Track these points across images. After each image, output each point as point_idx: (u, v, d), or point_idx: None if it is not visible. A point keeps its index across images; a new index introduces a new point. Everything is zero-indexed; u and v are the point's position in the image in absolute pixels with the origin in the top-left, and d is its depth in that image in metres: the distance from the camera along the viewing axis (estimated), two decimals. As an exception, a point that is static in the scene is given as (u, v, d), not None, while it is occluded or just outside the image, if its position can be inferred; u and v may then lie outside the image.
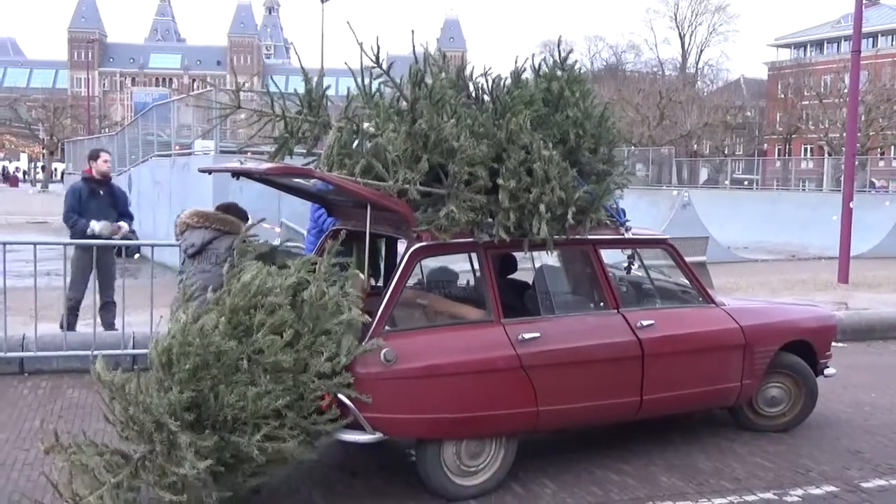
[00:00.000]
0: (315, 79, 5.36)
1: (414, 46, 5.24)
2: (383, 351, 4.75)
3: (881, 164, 52.29)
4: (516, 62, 5.38)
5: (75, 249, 8.32)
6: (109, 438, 4.71)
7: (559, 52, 5.54)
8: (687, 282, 6.13)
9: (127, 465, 4.30)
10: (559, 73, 5.47)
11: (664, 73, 66.37)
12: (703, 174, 48.54)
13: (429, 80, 5.14)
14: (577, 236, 5.38)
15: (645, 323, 5.57)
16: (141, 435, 4.32)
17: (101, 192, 8.46)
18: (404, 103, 5.20)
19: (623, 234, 5.74)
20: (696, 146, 60.00)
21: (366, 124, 5.17)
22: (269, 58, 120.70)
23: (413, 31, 5.36)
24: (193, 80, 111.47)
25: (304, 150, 5.44)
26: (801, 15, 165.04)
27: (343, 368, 4.58)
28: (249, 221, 5.68)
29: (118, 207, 8.55)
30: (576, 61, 5.60)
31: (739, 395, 6.07)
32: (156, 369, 4.43)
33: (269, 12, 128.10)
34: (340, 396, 4.73)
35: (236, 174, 5.19)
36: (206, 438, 4.23)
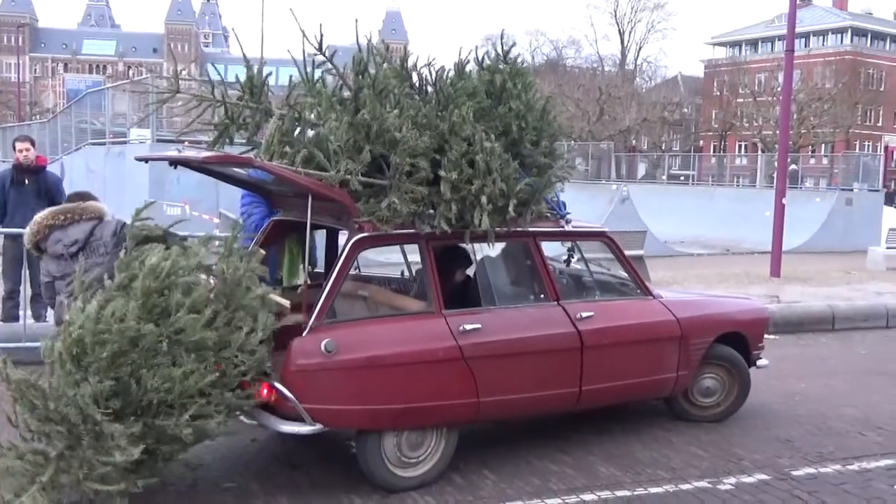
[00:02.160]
0: (256, 66, 5.29)
1: (357, 37, 5.20)
2: (324, 342, 4.72)
3: (812, 161, 53.64)
4: (460, 54, 5.39)
5: (4, 239, 8.08)
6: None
7: (502, 45, 5.56)
8: (625, 274, 6.22)
9: (49, 463, 4.18)
10: (502, 65, 5.48)
11: (604, 68, 67.03)
12: (641, 169, 49.22)
13: (372, 70, 5.12)
14: (518, 228, 5.41)
15: (584, 315, 5.63)
16: (61, 431, 4.18)
17: (27, 182, 8.15)
18: (347, 93, 5.17)
19: (563, 227, 5.79)
20: (634, 142, 60.81)
21: (308, 113, 5.12)
22: (207, 46, 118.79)
23: (357, 21, 5.32)
24: (129, 68, 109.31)
25: (245, 139, 5.36)
26: (737, 14, 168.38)
27: (260, 342, 4.57)
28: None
29: (49, 197, 8.24)
30: (518, 54, 5.62)
31: (675, 385, 6.18)
32: (61, 363, 4.26)
33: (208, 0, 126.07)
34: (279, 387, 4.71)
35: (174, 163, 5.09)
36: (132, 425, 4.16)
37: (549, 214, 5.68)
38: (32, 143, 8.35)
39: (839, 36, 75.28)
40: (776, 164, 33.52)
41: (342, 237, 5.66)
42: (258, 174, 5.52)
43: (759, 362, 6.74)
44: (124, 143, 17.39)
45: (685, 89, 76.20)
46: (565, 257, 6.40)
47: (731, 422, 6.56)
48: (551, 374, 5.50)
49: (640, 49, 70.34)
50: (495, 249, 5.68)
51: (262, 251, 4.97)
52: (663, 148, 60.83)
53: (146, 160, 5.50)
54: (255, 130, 5.32)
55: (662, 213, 25.96)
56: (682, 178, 44.62)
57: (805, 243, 23.09)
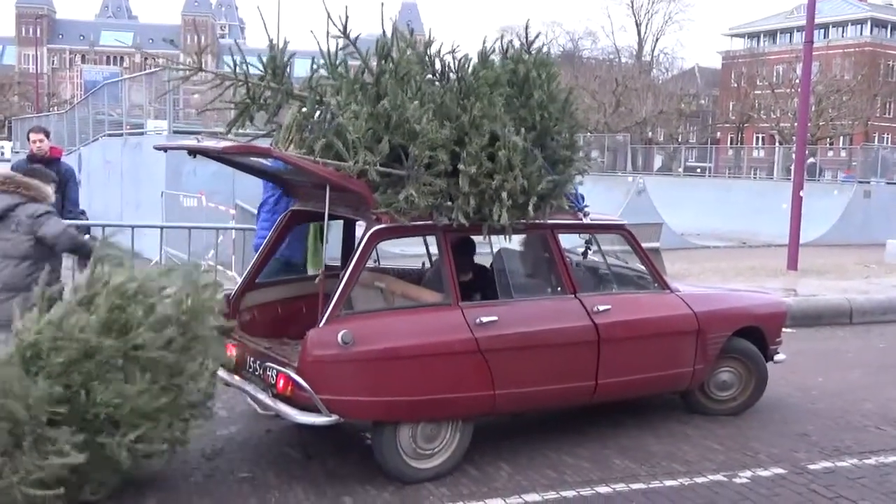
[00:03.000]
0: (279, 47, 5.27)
1: (382, 22, 5.19)
2: (340, 333, 4.73)
3: (830, 153, 53.29)
4: (484, 42, 5.37)
5: None
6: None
7: (526, 34, 5.53)
8: (643, 267, 6.20)
9: None
10: (525, 55, 5.46)
11: (620, 60, 66.69)
12: (658, 161, 49.02)
13: (395, 55, 5.11)
14: (537, 221, 5.40)
15: (601, 308, 5.61)
16: (3, 427, 4.12)
17: None
18: (368, 77, 5.17)
19: (581, 220, 5.78)
20: (650, 133, 60.52)
21: (330, 98, 5.10)
22: (223, 37, 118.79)
23: (382, 4, 5.32)
24: (145, 59, 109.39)
25: (265, 120, 5.36)
26: (755, 5, 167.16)
27: (211, 374, 4.64)
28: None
29: (61, 188, 8.21)
30: (543, 44, 5.59)
31: (692, 379, 6.17)
32: (12, 363, 4.23)
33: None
34: (296, 377, 4.73)
35: (192, 152, 5.11)
36: (74, 436, 4.14)
37: (566, 207, 5.66)
38: (47, 135, 8.36)
39: (858, 27, 74.60)
40: (794, 156, 33.39)
41: (359, 228, 5.69)
42: (276, 163, 5.53)
43: (776, 357, 6.71)
44: (141, 133, 17.44)
45: (702, 81, 75.75)
46: (582, 249, 6.39)
47: (747, 415, 6.54)
48: (567, 368, 5.49)
49: (656, 40, 70.03)
50: (512, 241, 5.67)
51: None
52: (679, 140, 60.49)
53: (165, 149, 5.51)
54: (275, 111, 5.32)
55: (679, 205, 25.83)
56: (698, 170, 44.36)
57: (822, 236, 22.93)
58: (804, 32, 15.81)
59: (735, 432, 6.20)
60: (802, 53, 15.84)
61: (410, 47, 5.34)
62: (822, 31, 70.06)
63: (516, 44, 5.67)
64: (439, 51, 5.41)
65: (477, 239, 5.74)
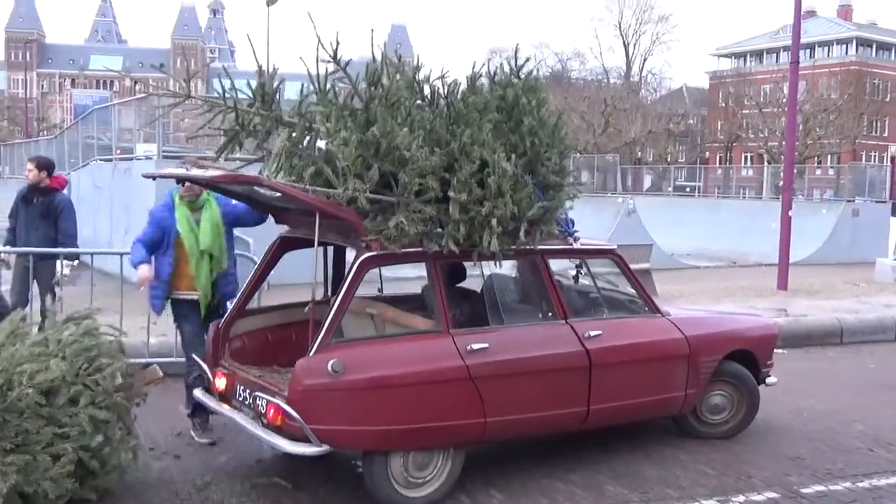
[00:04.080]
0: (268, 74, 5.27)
1: (372, 47, 5.21)
2: (331, 362, 4.71)
3: (818, 172, 53.58)
4: (473, 67, 5.39)
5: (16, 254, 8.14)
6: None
7: (515, 59, 5.55)
8: (633, 291, 6.19)
9: None
10: (515, 80, 5.47)
11: (609, 80, 67.08)
12: (647, 181, 49.20)
13: (385, 81, 5.13)
14: (527, 247, 5.39)
15: (592, 333, 5.60)
16: None
17: (35, 201, 8.21)
18: (357, 103, 5.18)
19: (571, 245, 5.78)
20: (639, 154, 60.77)
21: (319, 124, 5.10)
22: (213, 61, 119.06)
23: (372, 31, 5.34)
24: (135, 83, 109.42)
25: (254, 146, 5.36)
26: (741, 26, 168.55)
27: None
28: None
29: (53, 219, 8.19)
30: (532, 69, 5.61)
31: (684, 404, 6.15)
32: None
33: (214, 15, 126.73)
34: (286, 407, 4.70)
35: (181, 180, 5.09)
36: None
37: (556, 232, 5.66)
38: (39, 165, 8.34)
39: (844, 47, 75.30)
40: (782, 175, 33.54)
41: (349, 254, 5.68)
42: (266, 190, 5.51)
43: (767, 380, 6.71)
44: (130, 159, 17.39)
45: (690, 101, 76.22)
46: (573, 274, 6.38)
47: (739, 439, 6.52)
48: (559, 394, 5.47)
49: (644, 61, 70.53)
50: (503, 266, 5.67)
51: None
52: (668, 160, 60.74)
53: (153, 177, 5.49)
54: (264, 138, 5.32)
55: (668, 225, 25.85)
56: (687, 189, 44.55)
57: (812, 255, 22.97)
58: (790, 53, 15.92)
59: (728, 456, 6.17)
60: (789, 73, 15.93)
61: (399, 73, 5.36)
62: (809, 50, 70.67)
63: (506, 68, 5.70)
64: (428, 76, 5.43)
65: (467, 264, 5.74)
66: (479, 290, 6.17)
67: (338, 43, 5.41)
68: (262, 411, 4.92)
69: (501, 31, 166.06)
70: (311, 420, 4.65)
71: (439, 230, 5.09)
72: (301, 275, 6.96)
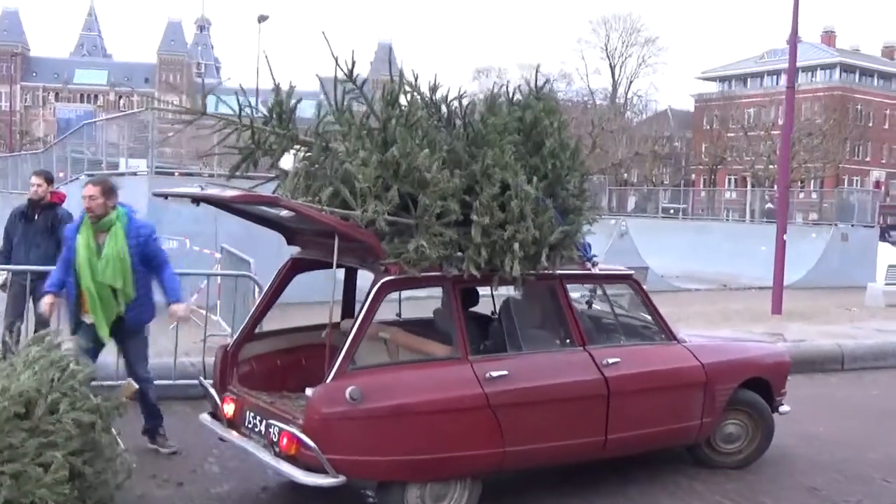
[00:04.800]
0: (285, 91, 5.15)
1: (393, 64, 5.11)
2: (349, 389, 4.56)
3: (801, 195, 53.93)
4: (493, 88, 5.29)
5: (11, 273, 7.91)
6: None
7: (535, 80, 5.46)
8: (649, 317, 6.09)
9: None
10: (534, 102, 5.38)
11: (595, 102, 67.37)
12: (631, 202, 49.31)
13: (402, 101, 5.03)
14: (546, 271, 5.28)
15: (611, 361, 5.48)
16: None
17: (36, 217, 7.99)
18: (374, 122, 5.07)
19: (590, 270, 5.66)
20: (626, 175, 60.99)
21: (336, 145, 4.98)
22: (199, 76, 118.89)
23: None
24: (120, 97, 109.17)
25: (269, 165, 5.24)
26: (726, 49, 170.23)
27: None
28: None
29: (56, 234, 7.97)
30: (551, 90, 5.52)
31: (700, 433, 6.04)
32: None
33: (200, 30, 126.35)
34: (301, 436, 4.55)
35: (196, 200, 4.94)
36: None
37: (577, 257, 5.55)
38: (48, 180, 8.17)
39: (828, 72, 76.05)
40: (766, 199, 33.64)
41: (362, 276, 5.55)
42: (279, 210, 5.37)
43: (781, 408, 6.61)
44: (121, 174, 17.17)
45: (675, 123, 76.67)
46: (587, 299, 6.27)
47: (754, 468, 6.41)
48: (577, 423, 5.35)
49: (630, 83, 70.85)
50: (519, 291, 5.55)
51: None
52: (654, 182, 61.00)
53: (166, 196, 5.33)
54: (279, 157, 5.20)
55: (657, 247, 25.81)
56: (671, 210, 44.67)
57: (801, 279, 22.99)
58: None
59: (744, 487, 6.06)
60: (785, 98, 15.97)
61: (416, 92, 5.26)
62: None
63: (524, 89, 5.61)
64: (446, 96, 5.33)
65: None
66: (490, 314, 6.07)
67: (353, 62, 5.33)
68: (275, 439, 4.76)
69: (488, 51, 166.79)
70: (328, 449, 4.50)
71: (459, 254, 4.97)
72: (305, 294, 6.83)
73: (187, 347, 8.86)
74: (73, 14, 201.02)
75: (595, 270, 5.68)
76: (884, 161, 73.80)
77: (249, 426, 5.10)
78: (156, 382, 7.69)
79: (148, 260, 6.03)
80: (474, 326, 5.43)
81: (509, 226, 4.92)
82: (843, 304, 17.76)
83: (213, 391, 5.41)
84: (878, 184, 52.99)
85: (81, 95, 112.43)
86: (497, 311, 5.78)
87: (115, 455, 4.89)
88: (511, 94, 5.56)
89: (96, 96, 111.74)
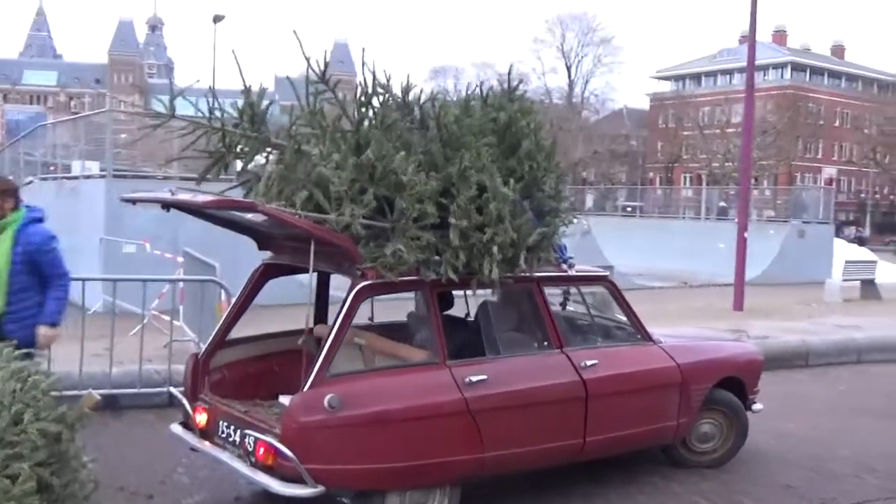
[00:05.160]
0: (256, 92, 5.02)
1: (352, 63, 5.01)
2: (327, 397, 4.46)
3: (755, 193, 54.71)
4: (467, 89, 5.21)
5: None
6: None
7: (508, 80, 5.39)
8: (623, 318, 6.06)
9: None
10: (508, 103, 5.31)
11: (552, 101, 67.71)
12: (589, 200, 49.65)
13: (375, 102, 4.94)
14: (524, 274, 5.22)
15: (588, 363, 5.44)
16: None
17: None
18: (346, 124, 4.98)
19: (566, 271, 5.62)
20: (584, 174, 61.39)
21: (309, 148, 4.86)
22: (151, 77, 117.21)
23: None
24: (71, 99, 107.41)
25: (240, 169, 5.11)
26: (680, 48, 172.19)
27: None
28: None
29: None
30: (525, 91, 5.46)
31: (676, 433, 6.03)
32: None
33: (153, 30, 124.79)
34: (279, 446, 4.44)
35: (167, 206, 4.79)
36: None
37: (553, 259, 5.50)
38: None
39: (779, 71, 77.29)
40: (723, 196, 34.08)
41: (335, 280, 5.44)
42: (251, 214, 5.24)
43: (754, 406, 6.62)
44: (76, 177, 16.82)
45: (630, 122, 77.37)
46: (560, 301, 6.23)
47: (729, 467, 6.42)
48: (556, 426, 5.30)
49: (586, 82, 71.33)
50: (495, 294, 5.48)
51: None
52: (612, 181, 61.49)
53: (133, 202, 5.17)
54: (251, 160, 5.07)
55: (617, 245, 25.98)
56: (628, 209, 45.03)
57: (760, 275, 23.31)
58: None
59: (720, 486, 6.06)
60: (745, 96, 16.11)
61: (388, 94, 5.17)
62: (743, 74, 72.24)
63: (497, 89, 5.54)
64: (419, 97, 5.24)
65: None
66: (465, 317, 6.00)
67: (326, 64, 5.23)
68: (251, 449, 4.64)
69: (444, 51, 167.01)
70: (307, 459, 4.39)
71: (437, 257, 4.89)
72: (275, 297, 6.70)
73: (150, 354, 8.68)
74: (22, 14, 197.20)
75: (571, 272, 5.63)
76: (835, 158, 75.15)
77: (223, 436, 4.97)
78: (121, 391, 7.55)
79: (39, 272, 5.47)
80: (451, 330, 5.34)
81: (487, 228, 4.84)
82: (802, 300, 18.02)
83: (184, 400, 5.26)
84: (830, 180, 53.92)
85: (31, 96, 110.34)
86: (473, 314, 5.71)
87: (81, 466, 4.75)
88: (485, 96, 5.49)
89: (46, 97, 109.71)
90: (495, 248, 4.85)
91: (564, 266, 5.61)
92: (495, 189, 4.88)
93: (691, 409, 6.04)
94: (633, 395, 5.67)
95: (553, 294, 6.11)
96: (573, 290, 6.03)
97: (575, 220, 5.59)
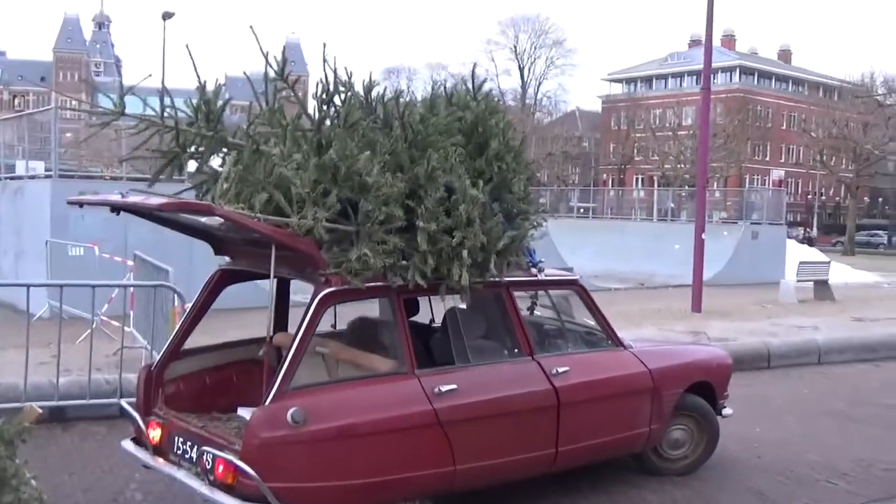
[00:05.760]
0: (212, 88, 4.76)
1: (326, 60, 4.77)
2: (290, 411, 4.22)
3: (711, 195, 55.34)
4: (433, 88, 5.01)
5: None
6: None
7: (473, 79, 5.20)
8: (593, 323, 5.91)
9: None
10: (473, 103, 5.12)
11: (505, 103, 67.84)
12: (533, 205, 49.75)
13: (337, 101, 4.71)
14: (493, 279, 5.02)
15: (560, 370, 5.27)
16: None
17: None
18: (307, 122, 4.75)
19: (536, 276, 5.43)
20: (538, 175, 61.53)
21: (269, 148, 4.62)
22: (98, 75, 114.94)
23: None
24: (14, 97, 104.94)
25: (196, 169, 4.85)
26: (631, 51, 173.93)
27: None
28: None
29: None
30: (491, 90, 5.27)
31: (648, 440, 5.89)
32: None
33: (99, 27, 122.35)
34: (239, 464, 4.18)
35: (116, 209, 4.50)
36: None
37: (522, 263, 5.31)
38: None
39: (728, 74, 78.22)
40: (674, 198, 34.30)
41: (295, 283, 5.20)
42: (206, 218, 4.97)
43: (724, 411, 6.51)
44: (20, 178, 16.25)
45: (583, 124, 77.85)
46: (528, 305, 6.04)
47: (700, 474, 6.30)
48: (527, 436, 5.12)
49: (539, 84, 71.65)
50: (466, 300, 5.28)
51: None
52: (565, 182, 61.75)
53: (81, 204, 4.87)
54: (207, 160, 4.80)
55: (572, 247, 25.93)
56: (581, 210, 45.19)
57: (715, 276, 23.41)
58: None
59: (692, 494, 5.94)
60: (701, 98, 16.14)
61: (350, 91, 4.94)
62: (695, 77, 73.14)
63: (460, 89, 5.36)
64: (382, 95, 5.02)
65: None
66: (430, 324, 5.81)
67: (285, 60, 5.00)
68: (210, 467, 4.38)
69: (397, 51, 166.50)
70: (269, 477, 4.14)
71: (404, 262, 4.67)
72: (232, 300, 6.40)
73: (99, 362, 8.34)
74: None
75: (541, 276, 5.45)
76: (782, 160, 76.36)
77: (179, 452, 4.70)
78: (69, 402, 7.19)
79: None
80: (418, 338, 5.12)
81: (456, 232, 4.65)
82: (757, 301, 18.12)
83: (136, 415, 4.97)
84: (779, 182, 54.73)
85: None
86: (440, 320, 5.50)
87: (23, 484, 4.44)
88: (449, 94, 5.30)
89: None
90: (465, 253, 4.65)
91: (534, 270, 5.42)
92: (464, 191, 4.69)
93: (663, 415, 5.91)
94: (605, 402, 5.51)
95: (522, 298, 5.95)
96: (542, 294, 5.84)
97: (544, 223, 5.40)
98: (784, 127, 77.76)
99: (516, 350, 5.28)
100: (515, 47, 71.18)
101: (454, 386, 4.76)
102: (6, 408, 6.20)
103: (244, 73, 4.86)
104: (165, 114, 4.76)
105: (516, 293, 5.34)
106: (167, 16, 36.99)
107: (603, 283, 22.39)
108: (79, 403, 7.16)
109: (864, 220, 63.64)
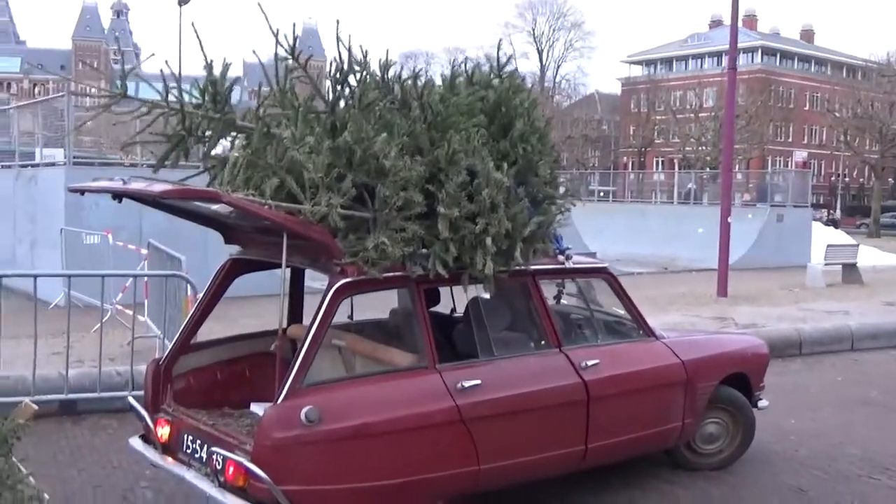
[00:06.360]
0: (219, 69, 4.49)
1: (340, 39, 4.49)
2: (304, 410, 3.97)
3: (736, 177, 54.66)
4: (453, 66, 4.73)
5: None
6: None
7: (497, 57, 4.91)
8: (624, 313, 5.62)
9: None
10: (496, 81, 4.83)
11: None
12: (562, 188, 49.33)
13: (352, 81, 4.44)
14: (518, 267, 4.74)
15: (589, 363, 4.99)
16: None
17: None
18: (319, 105, 4.48)
19: (563, 264, 5.14)
20: (562, 159, 61.14)
21: (280, 130, 4.36)
22: (116, 63, 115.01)
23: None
24: (35, 85, 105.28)
25: (203, 154, 4.60)
26: (651, 33, 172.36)
27: None
28: None
29: None
30: (515, 68, 4.98)
31: (681, 435, 5.61)
32: None
33: (118, 16, 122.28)
34: (250, 466, 3.94)
35: (118, 196, 4.26)
36: None
37: (551, 251, 5.03)
38: None
39: (750, 55, 77.13)
40: (696, 181, 33.80)
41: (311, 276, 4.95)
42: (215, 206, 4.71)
43: (759, 403, 6.21)
44: (36, 165, 16.08)
45: (602, 107, 77.12)
46: (554, 294, 5.76)
47: (734, 469, 6.02)
48: (556, 433, 4.85)
49: (558, 67, 70.93)
50: (491, 290, 5.00)
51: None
52: (586, 165, 61.24)
53: (82, 192, 4.63)
54: (214, 144, 4.55)
55: (593, 230, 25.55)
56: (601, 193, 44.76)
57: (739, 260, 22.93)
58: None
59: (728, 491, 5.67)
60: (727, 79, 15.73)
61: (366, 70, 4.66)
62: (716, 58, 72.33)
63: (484, 67, 5.07)
64: (399, 75, 4.74)
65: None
66: (451, 314, 5.55)
67: (295, 38, 4.72)
68: (220, 468, 4.14)
69: (414, 36, 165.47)
70: (282, 480, 3.90)
71: (424, 251, 4.40)
72: (244, 288, 6.15)
73: (113, 352, 8.16)
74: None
75: (569, 264, 5.16)
76: (805, 142, 75.36)
77: (188, 451, 4.48)
78: (79, 395, 7.00)
79: None
80: (439, 330, 4.85)
81: (480, 218, 4.36)
82: (784, 285, 17.74)
83: (143, 412, 4.74)
84: (803, 164, 53.93)
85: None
86: (462, 311, 5.22)
87: (19, 481, 4.23)
88: (471, 73, 5.01)
89: (9, 84, 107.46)
90: (489, 240, 4.37)
91: (561, 258, 5.13)
92: (487, 174, 4.40)
93: (697, 409, 5.62)
94: (636, 396, 5.23)
95: (548, 287, 5.66)
96: (569, 282, 5.56)
97: (572, 208, 5.11)
98: (807, 108, 76.74)
99: (543, 342, 5.00)
100: (533, 30, 70.40)
101: (478, 381, 4.50)
102: (12, 402, 6.00)
103: (253, 51, 4.58)
104: (173, 97, 4.51)
105: (543, 282, 5.06)
106: (183, 2, 36.77)
107: (625, 267, 22.01)
108: (89, 397, 6.96)
109: (889, 201, 62.58)
